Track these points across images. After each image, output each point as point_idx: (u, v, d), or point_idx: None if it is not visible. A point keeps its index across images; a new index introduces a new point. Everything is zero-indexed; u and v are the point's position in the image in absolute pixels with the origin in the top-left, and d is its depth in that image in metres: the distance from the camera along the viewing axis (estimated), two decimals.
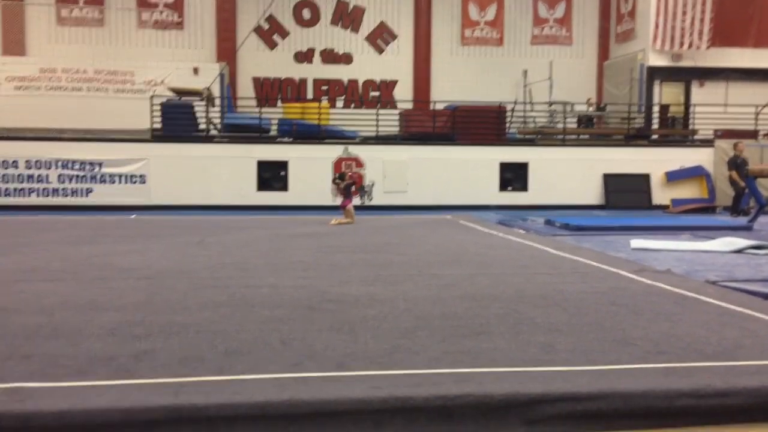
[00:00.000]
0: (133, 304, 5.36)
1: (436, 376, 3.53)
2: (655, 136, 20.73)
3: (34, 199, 16.65)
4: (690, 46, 21.42)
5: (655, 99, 21.90)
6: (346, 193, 13.20)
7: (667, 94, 22.41)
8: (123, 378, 3.49)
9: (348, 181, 13.41)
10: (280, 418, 3.10)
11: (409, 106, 22.23)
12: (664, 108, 21.88)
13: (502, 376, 3.55)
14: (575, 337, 4.40)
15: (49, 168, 16.75)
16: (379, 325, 4.70)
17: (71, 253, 8.46)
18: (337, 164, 17.39)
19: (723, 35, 21.66)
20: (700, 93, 22.02)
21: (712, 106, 20.09)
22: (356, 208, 17.13)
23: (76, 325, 4.64)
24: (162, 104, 17.82)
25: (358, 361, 3.83)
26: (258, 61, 23.20)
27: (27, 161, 16.67)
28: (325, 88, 23.57)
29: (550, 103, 21.59)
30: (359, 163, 17.51)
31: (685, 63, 21.77)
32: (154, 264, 7.54)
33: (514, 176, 18.24)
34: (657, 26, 21.37)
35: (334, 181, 13.71)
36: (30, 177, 16.72)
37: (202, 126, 18.20)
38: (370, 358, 3.87)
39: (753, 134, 19.39)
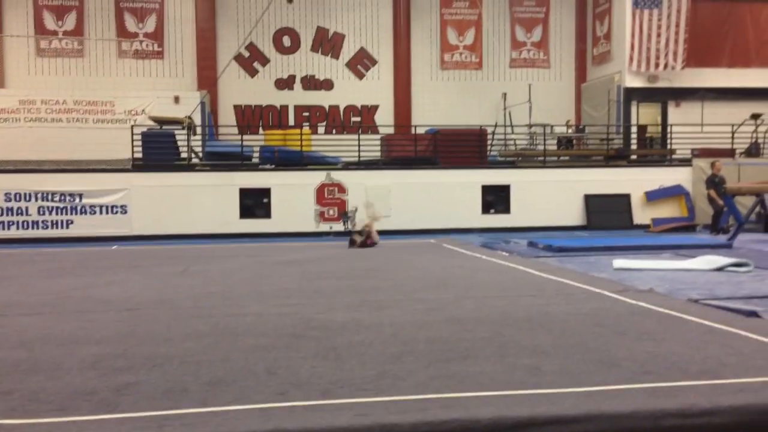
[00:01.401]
0: (114, 336, 5.29)
1: (422, 402, 3.51)
2: (633, 157, 20.95)
3: (13, 232, 16.48)
4: (665, 66, 21.77)
5: (633, 120, 22.18)
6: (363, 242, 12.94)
7: (644, 114, 22.71)
8: (105, 413, 3.43)
9: (365, 233, 13.09)
10: None
11: (391, 130, 22.34)
12: (641, 128, 22.17)
13: (489, 400, 3.53)
14: (561, 359, 4.40)
15: (29, 200, 16.60)
16: (365, 351, 4.67)
17: (51, 286, 8.36)
18: (320, 190, 17.40)
19: (697, 56, 22.05)
20: (676, 113, 22.33)
21: (688, 125, 20.37)
22: (339, 233, 17.15)
23: (56, 359, 4.57)
24: (143, 134, 17.78)
25: (344, 388, 3.80)
26: (239, 89, 23.26)
27: (6, 194, 16.52)
28: (306, 114, 23.65)
29: (530, 126, 21.78)
30: (342, 189, 17.52)
31: (661, 84, 22.11)
32: (136, 295, 7.46)
33: (496, 199, 18.32)
34: (632, 48, 21.72)
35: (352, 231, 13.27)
36: (9, 210, 16.56)
37: (184, 155, 18.15)
38: (356, 385, 3.85)
39: (730, 153, 19.66)
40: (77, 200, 16.72)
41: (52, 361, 4.50)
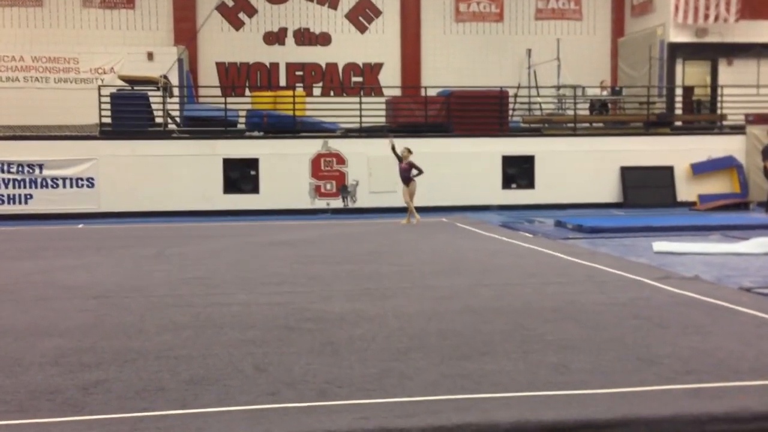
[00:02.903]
0: (80, 327, 5.32)
1: (433, 404, 3.53)
2: (678, 123, 20.85)
3: None
4: (716, 18, 21.57)
5: (678, 80, 22.03)
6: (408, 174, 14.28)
7: (691, 74, 22.54)
8: (70, 414, 3.45)
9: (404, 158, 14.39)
10: None
11: (397, 92, 22.24)
12: (688, 90, 22.01)
13: (509, 402, 3.55)
14: (592, 355, 4.42)
15: None
16: (367, 346, 4.70)
17: (8, 269, 8.40)
18: (316, 161, 17.39)
19: (753, 6, 21.81)
20: (728, 72, 22.16)
21: (742, 87, 20.22)
22: (337, 211, 17.18)
23: (14, 353, 4.60)
24: (112, 95, 17.73)
25: (342, 388, 3.82)
26: (222, 44, 23.14)
27: None
28: (299, 73, 23.56)
29: (558, 87, 21.67)
30: (340, 160, 17.51)
31: (711, 38, 21.91)
32: (105, 281, 7.50)
33: (518, 171, 18.29)
34: None
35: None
36: None
37: (159, 120, 18.13)
38: (357, 385, 3.87)
39: None
40: (37, 172, 16.73)
41: (10, 356, 4.53)
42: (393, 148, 14.47)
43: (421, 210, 14.88)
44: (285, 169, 17.33)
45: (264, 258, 9.20)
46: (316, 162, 17.46)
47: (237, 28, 23.36)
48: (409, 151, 14.48)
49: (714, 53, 22.30)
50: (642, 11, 23.45)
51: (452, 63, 23.68)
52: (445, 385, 3.85)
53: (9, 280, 7.56)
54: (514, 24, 24.30)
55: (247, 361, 4.34)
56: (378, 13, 23.90)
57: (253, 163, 17.38)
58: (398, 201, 17.09)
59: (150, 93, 18.06)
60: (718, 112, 20.74)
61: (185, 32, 22.32)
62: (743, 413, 3.40)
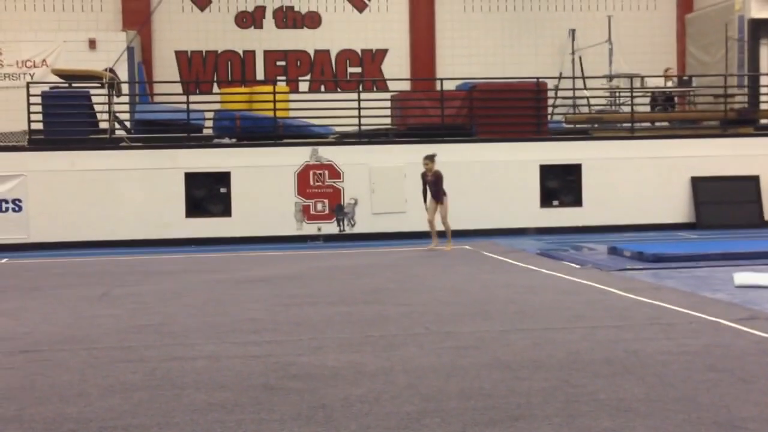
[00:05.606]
0: (3, 390, 5.32)
1: None
2: (764, 121, 20.86)
3: None
4: None
5: (763, 67, 22.07)
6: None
7: None
8: None
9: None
10: None
11: (406, 86, 22.31)
12: None
13: None
14: (657, 419, 4.41)
15: None
16: (369, 409, 4.69)
17: None
18: (303, 175, 17.41)
19: None
20: None
21: None
22: (331, 238, 17.16)
23: None
24: (44, 94, 17.81)
25: None
26: (183, 28, 23.27)
27: None
28: (281, 63, 23.67)
29: (611, 77, 21.71)
30: (335, 173, 17.54)
31: None
32: (36, 330, 7.50)
33: (561, 185, 18.28)
34: None
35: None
36: None
37: (104, 125, 18.19)
38: None
39: None
40: None
41: None
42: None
43: (440, 236, 14.88)
44: (264, 185, 17.34)
45: (237, 299, 9.19)
46: (303, 176, 17.47)
47: (202, 8, 23.51)
48: (432, 159, 14.62)
49: None
50: None
51: (475, 48, 23.77)
52: None
53: None
54: None
55: (216, 431, 4.33)
56: None
57: (223, 179, 17.40)
58: (409, 224, 17.14)
59: (92, 91, 18.13)
60: None
61: (136, 14, 22.46)
62: None
